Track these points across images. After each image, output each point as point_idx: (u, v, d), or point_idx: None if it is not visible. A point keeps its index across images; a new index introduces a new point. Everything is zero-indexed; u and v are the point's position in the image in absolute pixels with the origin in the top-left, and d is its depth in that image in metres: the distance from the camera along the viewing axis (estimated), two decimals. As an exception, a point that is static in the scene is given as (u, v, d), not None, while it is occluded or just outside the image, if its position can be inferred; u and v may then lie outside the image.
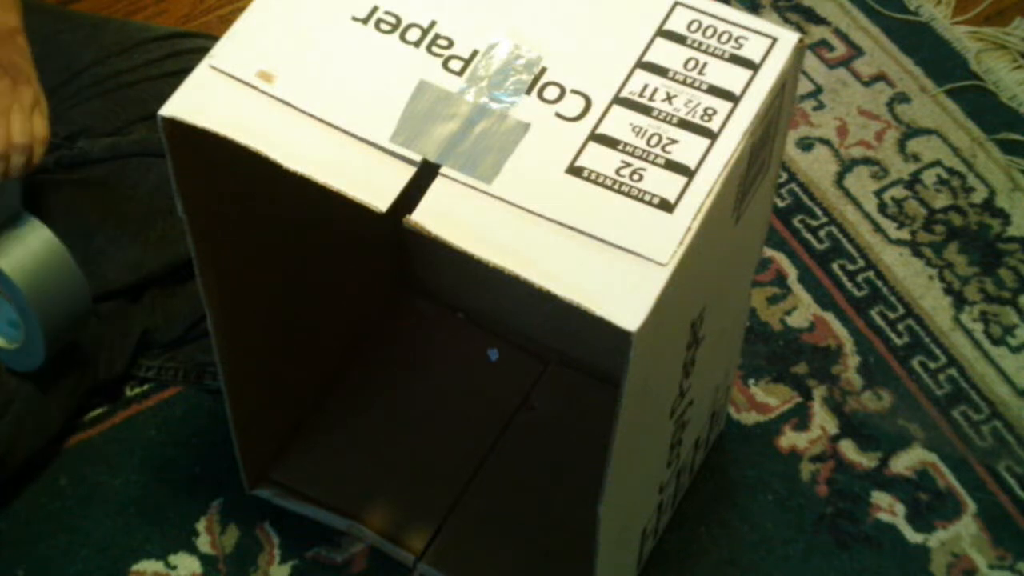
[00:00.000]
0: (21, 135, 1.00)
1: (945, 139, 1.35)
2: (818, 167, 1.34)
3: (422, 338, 1.21)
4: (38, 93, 1.03)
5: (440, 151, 0.77)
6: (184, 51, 1.21)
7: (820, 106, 1.38)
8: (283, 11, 0.83)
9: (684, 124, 0.79)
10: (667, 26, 0.82)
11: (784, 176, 1.32)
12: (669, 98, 0.80)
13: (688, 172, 0.77)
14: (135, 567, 1.10)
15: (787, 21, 1.44)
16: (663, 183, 0.77)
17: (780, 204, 1.31)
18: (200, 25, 1.44)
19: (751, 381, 1.20)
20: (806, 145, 1.35)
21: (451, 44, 0.81)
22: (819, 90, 1.39)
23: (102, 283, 1.15)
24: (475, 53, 0.81)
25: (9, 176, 1.01)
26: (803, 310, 1.24)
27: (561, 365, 1.19)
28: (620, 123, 0.79)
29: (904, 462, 1.16)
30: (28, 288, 1.04)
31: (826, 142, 1.35)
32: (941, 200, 1.31)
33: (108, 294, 1.16)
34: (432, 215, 0.75)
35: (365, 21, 0.83)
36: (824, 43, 1.43)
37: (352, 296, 1.15)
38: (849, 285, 1.26)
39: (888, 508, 1.13)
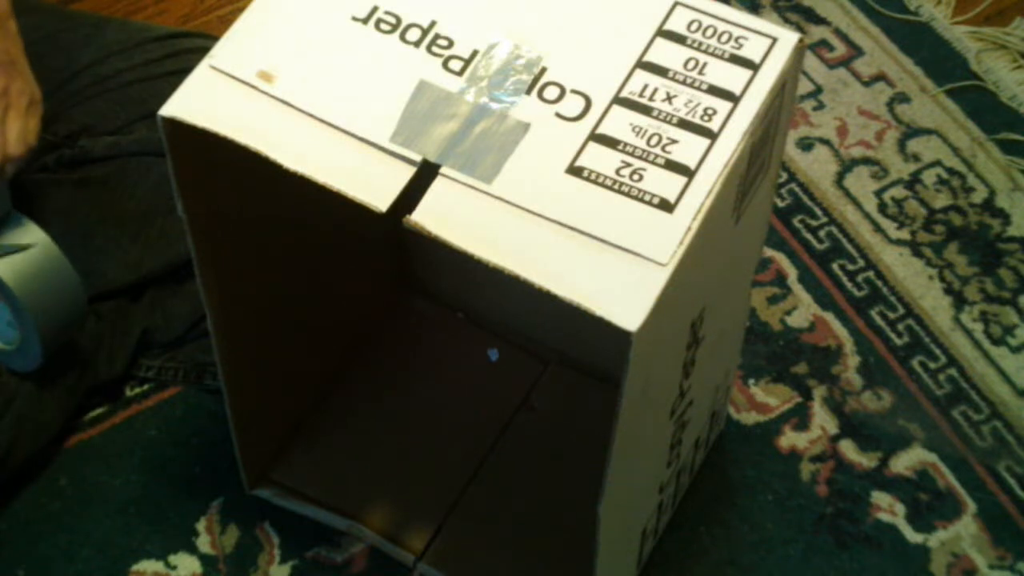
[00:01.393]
0: (17, 145, 0.98)
1: (945, 139, 1.35)
2: (818, 167, 1.34)
3: (422, 338, 1.21)
4: (34, 89, 1.01)
5: (440, 151, 0.77)
6: (184, 51, 1.21)
7: (820, 106, 1.38)
8: (283, 11, 0.83)
9: (684, 124, 0.79)
10: (667, 26, 0.82)
11: (784, 176, 1.32)
12: (669, 98, 0.80)
13: (688, 172, 0.77)
14: (135, 567, 1.10)
15: (787, 21, 1.44)
16: (663, 183, 0.77)
17: (780, 204, 1.31)
18: (200, 25, 1.44)
19: (751, 381, 1.20)
20: (806, 145, 1.35)
21: (451, 44, 0.81)
22: (819, 90, 1.39)
23: (102, 283, 1.15)
24: (475, 53, 0.81)
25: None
26: (803, 310, 1.24)
27: (561, 365, 1.19)
28: (620, 123, 0.79)
29: (904, 462, 1.16)
30: (22, 290, 1.03)
31: (826, 142, 1.35)
32: (941, 200, 1.31)
33: (108, 294, 1.16)
34: (432, 215, 0.75)
35: (365, 21, 0.83)
36: (824, 43, 1.43)
37: (352, 296, 1.15)
38: (849, 285, 1.26)
39: (888, 508, 1.13)
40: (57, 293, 1.06)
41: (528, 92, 0.80)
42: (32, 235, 1.05)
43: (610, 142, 0.78)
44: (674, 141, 0.78)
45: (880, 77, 1.40)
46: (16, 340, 1.07)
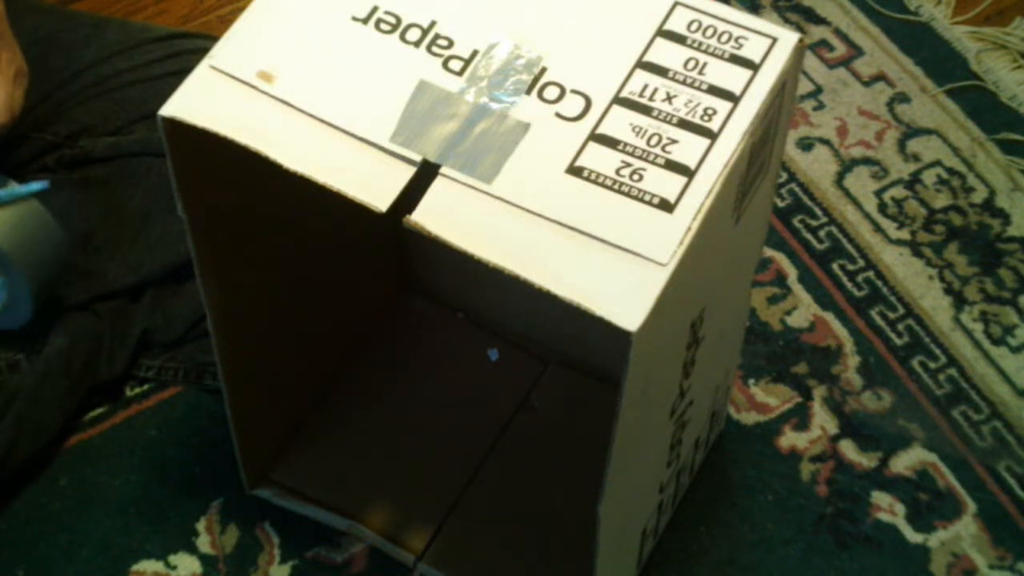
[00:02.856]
0: (3, 113, 0.99)
1: (945, 139, 1.36)
2: (818, 167, 1.34)
3: (422, 338, 1.21)
4: (21, 60, 1.02)
5: (440, 151, 0.77)
6: (184, 51, 1.21)
7: (820, 106, 1.38)
8: (283, 11, 0.83)
9: (684, 124, 0.79)
10: (667, 26, 0.82)
11: (784, 176, 1.33)
12: (669, 98, 0.80)
13: (688, 172, 0.77)
14: (135, 567, 1.10)
15: (787, 21, 1.44)
16: (663, 183, 0.77)
17: (780, 204, 1.31)
18: (200, 25, 1.44)
19: (751, 381, 1.20)
20: (806, 145, 1.35)
21: (451, 44, 0.81)
22: (819, 90, 1.39)
23: (102, 283, 1.15)
24: (475, 53, 0.81)
25: None
26: (803, 310, 1.24)
27: (561, 365, 1.19)
28: (620, 123, 0.79)
29: (904, 462, 1.16)
30: (7, 244, 1.03)
31: (826, 142, 1.35)
32: (941, 200, 1.31)
33: (108, 294, 1.16)
34: (432, 215, 0.75)
35: (365, 21, 0.83)
36: (824, 43, 1.43)
37: (352, 296, 1.15)
38: (849, 285, 1.26)
39: (888, 508, 1.13)
40: (41, 242, 1.05)
41: (528, 92, 0.80)
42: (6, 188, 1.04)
43: (610, 142, 0.78)
44: (674, 141, 0.78)
45: (880, 77, 1.40)
46: (3, 299, 1.06)
